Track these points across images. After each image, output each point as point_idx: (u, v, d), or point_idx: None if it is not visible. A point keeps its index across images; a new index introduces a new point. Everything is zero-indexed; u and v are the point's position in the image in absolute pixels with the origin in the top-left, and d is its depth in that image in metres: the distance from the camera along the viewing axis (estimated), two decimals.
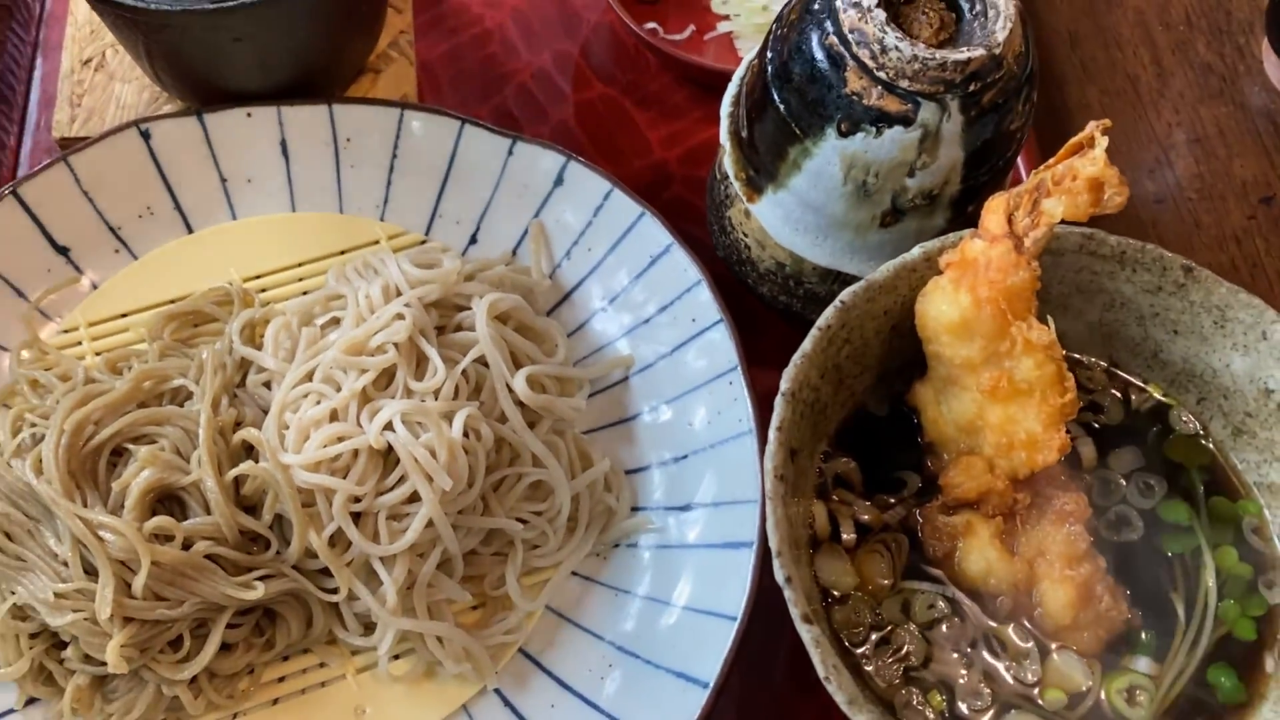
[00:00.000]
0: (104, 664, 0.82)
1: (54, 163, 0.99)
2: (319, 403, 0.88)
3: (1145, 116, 1.20)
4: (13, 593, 0.85)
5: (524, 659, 0.90)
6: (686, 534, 0.93)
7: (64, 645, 0.85)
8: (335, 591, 0.87)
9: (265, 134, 1.03)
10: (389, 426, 0.87)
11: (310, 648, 0.90)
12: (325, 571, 0.87)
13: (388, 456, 0.87)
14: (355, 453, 0.86)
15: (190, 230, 1.03)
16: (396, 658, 0.89)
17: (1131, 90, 1.22)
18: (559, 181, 1.02)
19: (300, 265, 1.03)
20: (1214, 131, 1.19)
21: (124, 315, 1.00)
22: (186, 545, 0.85)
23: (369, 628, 0.88)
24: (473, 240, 1.04)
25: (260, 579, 0.86)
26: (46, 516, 0.85)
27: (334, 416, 0.88)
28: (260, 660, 0.88)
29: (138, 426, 0.89)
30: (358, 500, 0.85)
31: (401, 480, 0.86)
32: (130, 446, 0.88)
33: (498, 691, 0.89)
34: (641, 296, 1.00)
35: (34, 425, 0.89)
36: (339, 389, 0.89)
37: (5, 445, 0.88)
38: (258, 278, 1.02)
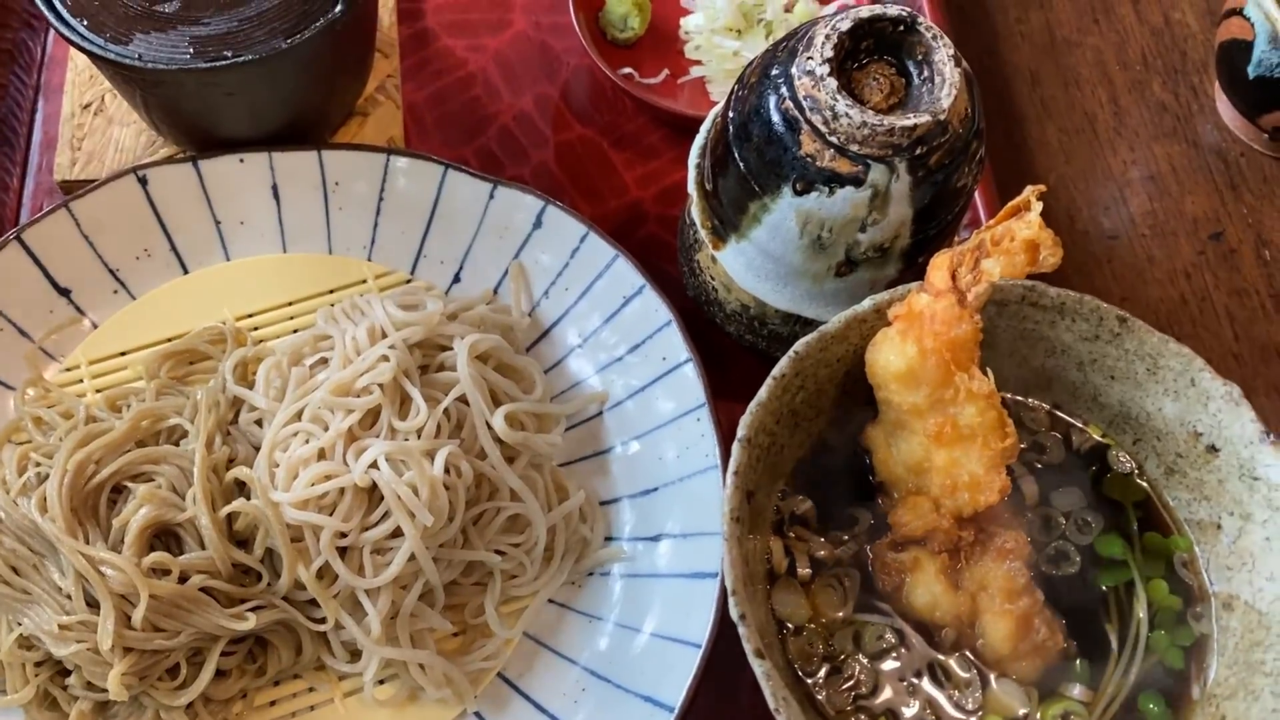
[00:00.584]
0: (105, 691, 0.87)
1: (56, 209, 1.03)
2: (307, 442, 0.92)
3: (1102, 154, 1.25)
4: (19, 624, 0.89)
5: (502, 683, 0.95)
6: (656, 564, 0.97)
7: (67, 673, 0.89)
8: (323, 621, 0.91)
9: (257, 179, 1.07)
10: (374, 465, 0.90)
11: (300, 674, 0.94)
12: (314, 602, 0.91)
13: (372, 494, 0.91)
14: (341, 491, 0.90)
15: (186, 271, 1.07)
16: (381, 683, 0.93)
17: (1089, 128, 1.26)
18: (538, 224, 1.07)
19: (291, 304, 1.07)
20: (1167, 169, 1.24)
21: (123, 354, 1.04)
22: (183, 579, 0.89)
23: (355, 655, 0.93)
24: (456, 279, 1.09)
25: (252, 610, 0.90)
26: (51, 552, 0.90)
27: (321, 455, 0.92)
28: (253, 686, 0.92)
29: (136, 465, 0.93)
30: (344, 536, 0.90)
31: (385, 517, 0.90)
32: (129, 484, 0.92)
33: (477, 715, 0.93)
34: (614, 336, 1.04)
35: (38, 464, 0.93)
36: (326, 428, 0.93)
37: (12, 483, 0.92)
38: (250, 316, 1.06)
